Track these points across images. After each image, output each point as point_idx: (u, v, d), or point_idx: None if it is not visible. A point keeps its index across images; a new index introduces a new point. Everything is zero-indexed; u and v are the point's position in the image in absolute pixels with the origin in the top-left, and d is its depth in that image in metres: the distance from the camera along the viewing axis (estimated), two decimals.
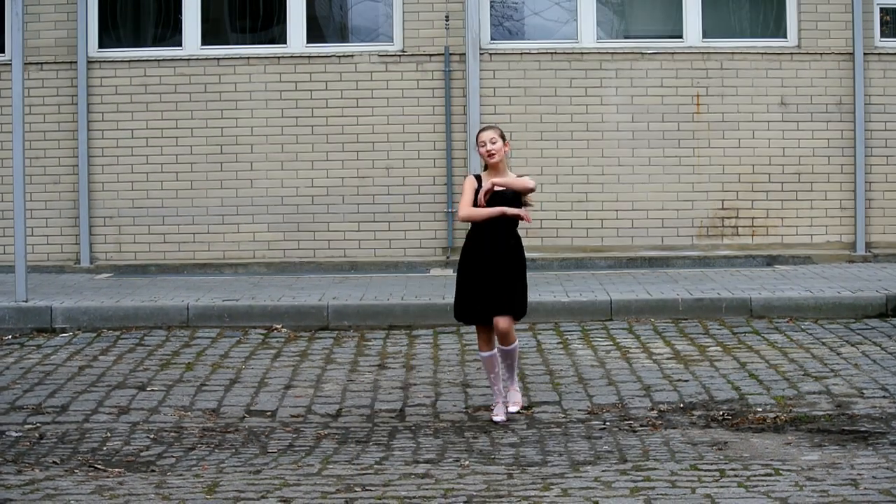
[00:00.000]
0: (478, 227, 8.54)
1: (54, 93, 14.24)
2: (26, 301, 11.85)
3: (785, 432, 8.00)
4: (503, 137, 8.58)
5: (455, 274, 8.80)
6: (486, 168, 8.63)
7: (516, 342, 8.61)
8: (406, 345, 10.93)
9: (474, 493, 6.74)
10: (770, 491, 6.66)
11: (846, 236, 14.33)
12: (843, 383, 9.18)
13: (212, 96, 14.25)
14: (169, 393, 9.26)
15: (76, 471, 7.32)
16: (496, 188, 8.47)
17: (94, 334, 11.41)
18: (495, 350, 8.57)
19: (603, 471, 7.14)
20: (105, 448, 7.88)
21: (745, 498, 6.56)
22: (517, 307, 8.56)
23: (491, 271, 8.46)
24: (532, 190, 8.54)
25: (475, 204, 8.50)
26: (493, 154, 8.50)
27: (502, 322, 8.45)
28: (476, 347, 9.39)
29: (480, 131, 8.64)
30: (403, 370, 9.96)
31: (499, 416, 8.45)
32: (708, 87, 14.27)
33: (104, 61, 14.25)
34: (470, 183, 8.63)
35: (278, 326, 11.61)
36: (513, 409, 8.61)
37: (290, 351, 10.71)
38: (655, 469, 7.15)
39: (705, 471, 7.10)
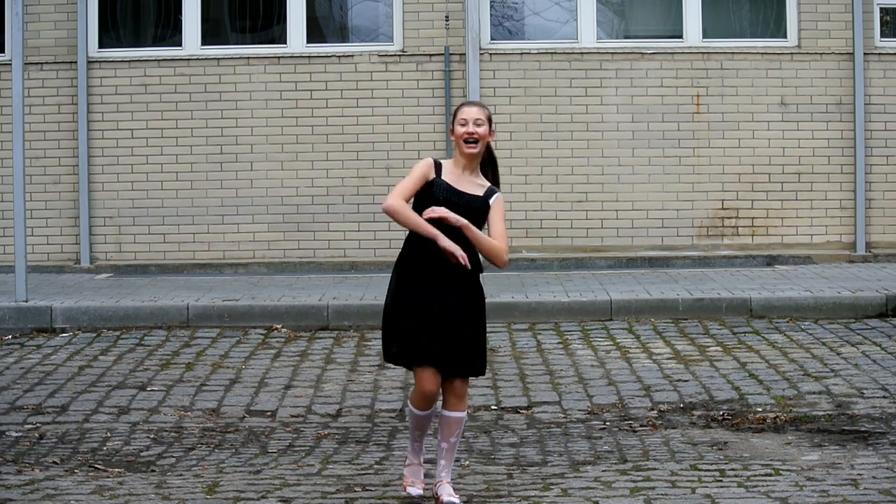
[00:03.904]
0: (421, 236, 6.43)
1: (54, 93, 14.24)
2: (26, 301, 11.84)
3: (785, 432, 8.00)
4: (490, 121, 6.42)
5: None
6: (456, 156, 6.46)
7: (466, 410, 6.78)
8: None
9: (474, 493, 6.73)
10: (770, 491, 6.66)
11: (846, 236, 14.32)
12: (843, 383, 9.18)
13: (212, 96, 14.25)
14: (169, 393, 9.26)
15: (76, 471, 7.32)
16: (451, 219, 6.35)
17: (94, 334, 11.40)
18: (432, 410, 6.59)
19: (603, 471, 7.14)
20: (105, 448, 7.88)
21: (745, 498, 6.56)
22: (480, 362, 6.59)
23: (446, 300, 6.47)
24: (499, 265, 6.49)
25: (422, 208, 6.39)
26: (476, 140, 6.36)
27: (460, 385, 6.58)
28: None
29: (463, 105, 6.45)
30: (403, 370, 9.95)
31: (416, 489, 6.60)
32: (708, 87, 14.26)
33: (104, 61, 14.24)
34: (423, 169, 6.44)
35: (278, 326, 11.60)
36: (447, 498, 6.48)
37: (290, 351, 10.71)
38: (655, 469, 7.15)
39: (705, 471, 7.10)
